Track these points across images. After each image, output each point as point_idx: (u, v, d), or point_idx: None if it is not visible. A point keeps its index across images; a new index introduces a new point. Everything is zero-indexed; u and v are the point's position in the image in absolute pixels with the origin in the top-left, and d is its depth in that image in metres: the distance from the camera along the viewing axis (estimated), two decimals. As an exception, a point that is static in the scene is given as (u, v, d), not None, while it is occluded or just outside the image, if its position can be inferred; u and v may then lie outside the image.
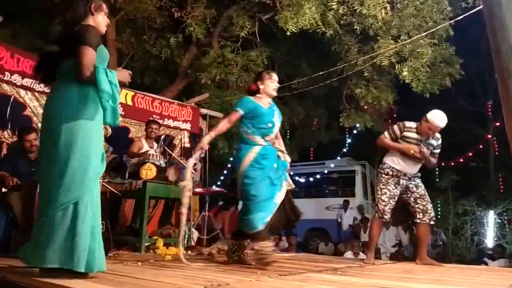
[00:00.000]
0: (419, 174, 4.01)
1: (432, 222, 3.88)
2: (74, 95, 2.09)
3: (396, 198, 3.90)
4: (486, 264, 7.22)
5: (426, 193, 3.91)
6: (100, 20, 2.25)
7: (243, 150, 3.32)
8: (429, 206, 3.87)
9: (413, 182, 3.93)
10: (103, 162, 2.25)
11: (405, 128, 3.93)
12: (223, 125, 3.36)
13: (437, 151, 4.02)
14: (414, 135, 3.88)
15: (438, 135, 4.01)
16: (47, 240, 2.05)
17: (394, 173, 3.91)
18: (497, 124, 11.81)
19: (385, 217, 3.86)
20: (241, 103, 3.38)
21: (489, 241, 10.19)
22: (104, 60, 2.14)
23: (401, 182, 3.90)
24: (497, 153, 13.46)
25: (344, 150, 12.63)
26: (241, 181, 3.25)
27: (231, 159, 2.97)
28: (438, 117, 3.82)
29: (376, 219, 3.92)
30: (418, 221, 3.88)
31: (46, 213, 2.09)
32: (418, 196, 3.88)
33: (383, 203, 3.87)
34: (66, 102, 2.10)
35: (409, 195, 3.92)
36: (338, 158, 12.00)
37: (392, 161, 3.94)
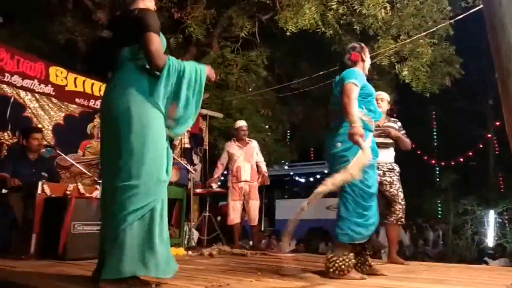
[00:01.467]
0: (396, 168, 3.91)
1: (399, 223, 3.83)
2: (142, 85, 1.93)
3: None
4: (487, 263, 7.23)
5: (400, 193, 3.81)
6: (149, 5, 2.10)
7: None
8: (398, 207, 3.79)
9: (387, 178, 3.82)
10: (170, 161, 2.05)
11: None
12: (355, 106, 2.63)
13: (404, 131, 4.04)
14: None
15: (394, 118, 4.15)
16: (123, 248, 1.85)
17: None
18: (497, 123, 11.82)
19: None
20: (354, 75, 2.73)
21: (490, 240, 10.19)
22: (163, 47, 2.01)
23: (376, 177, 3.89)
24: (497, 152, 13.46)
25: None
26: (355, 182, 2.59)
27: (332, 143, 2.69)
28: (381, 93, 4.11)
29: None
30: (386, 220, 3.86)
31: (120, 219, 1.86)
32: (390, 196, 3.81)
33: None
34: (133, 94, 1.91)
35: (382, 193, 3.78)
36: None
37: None
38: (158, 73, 1.92)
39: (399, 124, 4.08)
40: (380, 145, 3.84)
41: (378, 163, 3.81)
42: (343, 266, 2.54)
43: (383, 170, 3.84)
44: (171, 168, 2.03)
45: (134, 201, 1.86)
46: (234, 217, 5.22)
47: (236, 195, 5.24)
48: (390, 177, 3.84)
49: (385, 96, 4.13)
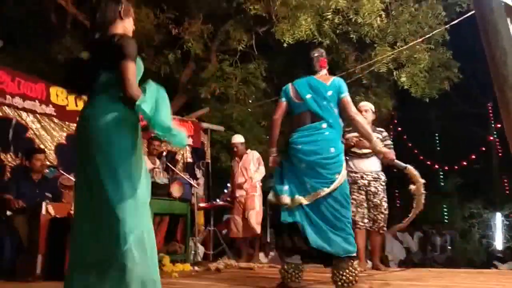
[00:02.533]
0: (382, 177, 3.98)
1: (381, 232, 3.96)
2: (120, 113, 1.93)
3: (365, 203, 3.94)
4: (496, 267, 7.15)
5: (383, 203, 3.92)
6: (128, 26, 2.10)
7: (342, 144, 2.85)
8: (380, 216, 3.91)
9: (372, 188, 3.93)
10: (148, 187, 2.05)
11: (344, 132, 3.93)
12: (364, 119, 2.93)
13: (387, 142, 4.01)
14: (354, 133, 3.93)
15: (378, 128, 4.14)
16: (126, 278, 1.78)
17: (353, 179, 3.94)
18: (498, 125, 11.80)
19: (358, 225, 3.88)
20: (346, 87, 2.88)
21: (498, 243, 10.08)
22: (139, 72, 2.03)
23: (361, 187, 3.95)
24: (500, 154, 13.41)
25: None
26: (346, 186, 2.74)
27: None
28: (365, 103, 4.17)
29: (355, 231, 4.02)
30: (369, 228, 3.96)
31: (116, 249, 1.80)
32: (373, 205, 3.93)
33: (353, 214, 3.86)
34: (115, 120, 1.92)
35: (368, 202, 3.94)
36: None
37: (348, 166, 3.91)
38: (130, 104, 1.90)
39: (384, 134, 4.11)
40: (362, 155, 3.94)
41: (363, 172, 3.89)
42: (350, 278, 2.52)
43: (368, 180, 3.96)
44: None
45: (124, 231, 1.82)
46: (236, 231, 5.27)
47: (236, 209, 5.34)
48: (375, 187, 3.94)
49: (369, 106, 4.18)
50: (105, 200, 1.84)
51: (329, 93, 2.79)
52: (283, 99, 2.96)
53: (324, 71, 2.96)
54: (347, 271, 2.53)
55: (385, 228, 3.95)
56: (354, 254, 2.58)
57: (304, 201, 2.62)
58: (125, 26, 2.08)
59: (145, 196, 1.94)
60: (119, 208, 1.82)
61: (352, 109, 2.79)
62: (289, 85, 2.98)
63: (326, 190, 2.59)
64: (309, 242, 2.56)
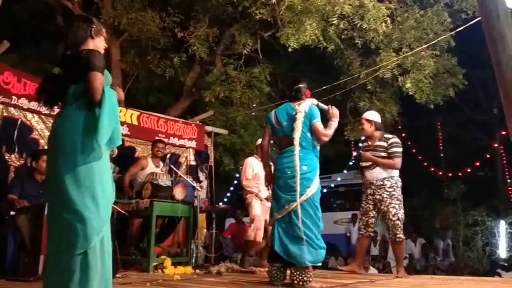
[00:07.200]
0: (387, 184, 3.94)
1: (398, 239, 3.90)
2: (85, 121, 2.05)
3: (371, 213, 4.03)
4: (500, 275, 7.10)
5: (391, 209, 3.89)
6: (99, 44, 2.25)
7: (316, 161, 3.16)
8: (390, 223, 3.90)
9: (377, 196, 3.97)
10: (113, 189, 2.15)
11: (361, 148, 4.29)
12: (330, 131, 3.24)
13: (393, 150, 4.01)
14: (365, 143, 4.25)
15: (386, 135, 4.16)
16: (87, 278, 1.89)
17: (364, 187, 4.13)
18: (504, 132, 11.75)
19: (361, 232, 4.08)
20: (318, 114, 3.21)
21: (502, 251, 10.00)
22: (107, 84, 2.15)
23: (369, 196, 4.03)
24: (504, 161, 13.34)
25: (350, 163, 12.59)
26: (315, 199, 3.06)
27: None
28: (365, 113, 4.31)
29: (358, 236, 4.18)
30: (387, 237, 4.12)
31: (78, 249, 1.90)
32: (382, 213, 3.99)
33: (360, 221, 4.15)
34: (80, 127, 2.04)
35: (378, 211, 4.03)
36: (345, 171, 11.94)
37: (362, 177, 4.22)
38: (97, 108, 2.03)
39: (391, 141, 4.05)
40: (366, 167, 4.08)
41: (370, 182, 4.03)
42: (305, 278, 2.89)
43: (372, 189, 4.01)
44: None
45: (85, 232, 1.91)
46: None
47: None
48: (380, 194, 3.96)
49: (369, 116, 4.18)
50: (67, 200, 1.93)
51: (304, 119, 3.13)
52: (268, 126, 3.36)
53: (305, 100, 3.24)
54: (298, 272, 2.91)
55: (400, 236, 3.87)
56: (308, 265, 2.91)
57: (278, 215, 3.04)
58: (96, 44, 2.23)
59: (107, 199, 2.03)
60: (80, 208, 1.91)
61: (320, 132, 3.12)
62: (272, 112, 3.36)
63: (296, 203, 2.95)
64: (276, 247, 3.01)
